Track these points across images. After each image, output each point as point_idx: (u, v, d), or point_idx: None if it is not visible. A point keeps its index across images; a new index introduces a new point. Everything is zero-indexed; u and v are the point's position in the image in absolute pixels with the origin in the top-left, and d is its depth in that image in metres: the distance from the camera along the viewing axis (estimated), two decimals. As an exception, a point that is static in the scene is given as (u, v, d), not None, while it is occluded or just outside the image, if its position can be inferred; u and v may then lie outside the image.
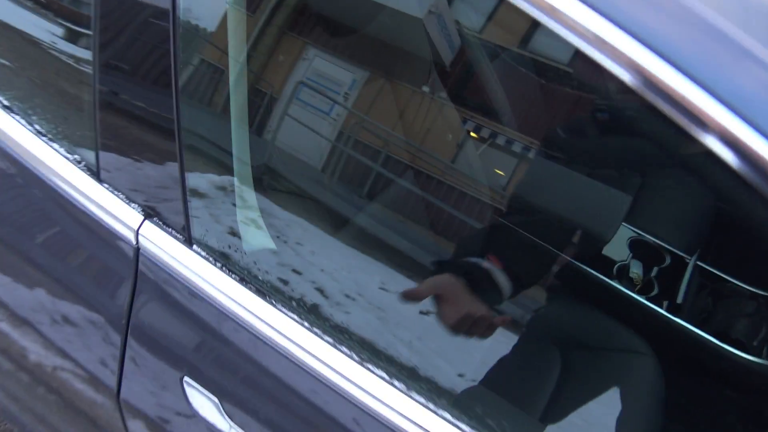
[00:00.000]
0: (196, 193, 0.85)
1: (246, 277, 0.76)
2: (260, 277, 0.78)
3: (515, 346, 0.87)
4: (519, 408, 0.85)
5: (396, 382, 0.69)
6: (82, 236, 0.85)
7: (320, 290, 0.82)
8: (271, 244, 0.84)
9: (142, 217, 0.80)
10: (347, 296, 0.84)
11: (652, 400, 0.90)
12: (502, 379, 0.85)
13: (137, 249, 0.79)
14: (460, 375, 0.83)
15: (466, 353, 0.85)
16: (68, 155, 0.85)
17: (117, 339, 0.84)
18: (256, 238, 0.84)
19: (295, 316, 0.73)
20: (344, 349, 0.71)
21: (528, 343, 0.90)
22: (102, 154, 0.82)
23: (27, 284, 0.93)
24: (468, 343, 0.82)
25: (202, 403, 0.80)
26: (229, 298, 0.75)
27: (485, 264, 0.83)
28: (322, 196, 0.97)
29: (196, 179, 0.86)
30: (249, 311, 0.74)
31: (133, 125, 0.80)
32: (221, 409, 0.78)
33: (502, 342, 0.85)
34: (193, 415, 0.80)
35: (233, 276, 0.76)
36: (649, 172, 1.03)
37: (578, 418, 0.87)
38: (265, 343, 0.74)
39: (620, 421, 0.86)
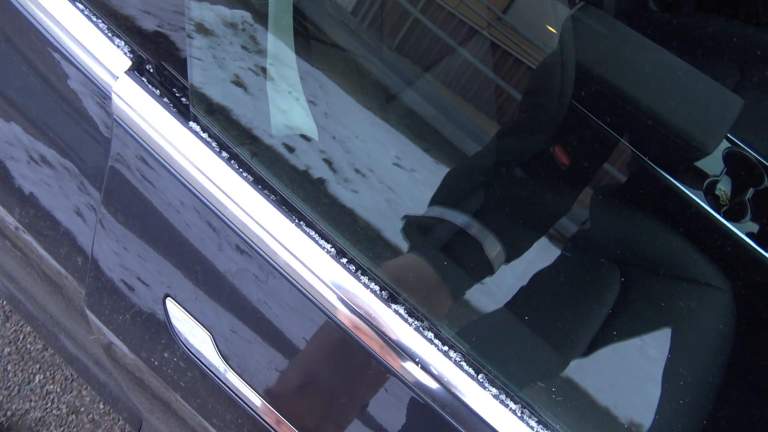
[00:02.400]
0: (201, 29, 0.74)
1: (243, 144, 0.67)
2: (261, 142, 0.70)
3: (568, 256, 0.75)
4: (567, 326, 0.74)
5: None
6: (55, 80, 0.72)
7: (328, 162, 0.74)
8: (278, 100, 0.74)
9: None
10: (357, 171, 0.75)
11: (717, 344, 0.78)
12: (549, 290, 0.76)
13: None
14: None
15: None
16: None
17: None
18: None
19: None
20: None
21: (584, 254, 0.78)
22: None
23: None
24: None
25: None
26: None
27: (473, 229, 0.67)
28: (348, 44, 0.83)
29: (202, 10, 0.74)
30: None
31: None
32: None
33: (551, 250, 0.74)
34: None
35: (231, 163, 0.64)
36: (749, 66, 0.82)
37: (628, 348, 0.76)
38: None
39: (675, 363, 0.74)
